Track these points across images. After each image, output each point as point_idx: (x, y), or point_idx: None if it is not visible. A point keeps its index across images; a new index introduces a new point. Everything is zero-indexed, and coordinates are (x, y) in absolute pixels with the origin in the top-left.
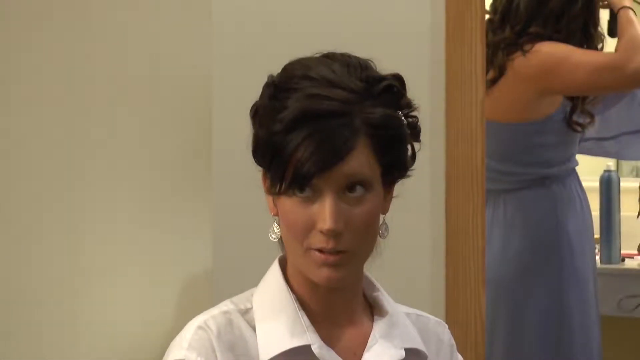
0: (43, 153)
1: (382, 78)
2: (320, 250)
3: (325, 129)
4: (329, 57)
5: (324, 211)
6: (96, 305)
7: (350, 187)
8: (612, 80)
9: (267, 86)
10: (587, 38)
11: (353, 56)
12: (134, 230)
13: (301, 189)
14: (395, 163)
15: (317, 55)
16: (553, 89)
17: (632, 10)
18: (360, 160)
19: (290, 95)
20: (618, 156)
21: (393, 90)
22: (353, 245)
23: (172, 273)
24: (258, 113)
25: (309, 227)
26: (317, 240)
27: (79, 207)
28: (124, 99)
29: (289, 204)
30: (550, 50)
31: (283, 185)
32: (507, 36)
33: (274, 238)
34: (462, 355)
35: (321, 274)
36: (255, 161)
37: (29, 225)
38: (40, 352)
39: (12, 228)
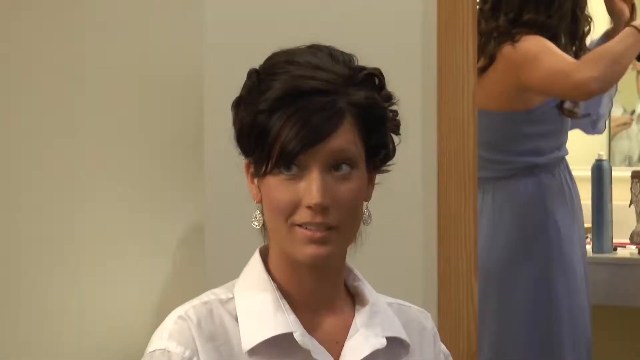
0: (29, 142)
1: (364, 68)
2: (306, 228)
3: (311, 107)
4: (314, 48)
5: (311, 186)
6: (84, 297)
7: (336, 165)
8: (560, 87)
9: (249, 75)
10: (575, 21)
11: (337, 49)
12: (124, 220)
13: (288, 167)
14: (379, 146)
15: (302, 47)
16: (521, 84)
17: (638, 29)
18: (346, 138)
19: (275, 78)
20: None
21: (374, 79)
22: (339, 221)
23: (164, 267)
24: (242, 100)
25: (295, 203)
26: (304, 216)
27: (68, 198)
28: (115, 87)
29: (275, 182)
30: (528, 46)
31: (269, 164)
32: (500, 24)
33: (257, 225)
34: (455, 343)
35: (307, 251)
36: (240, 147)
37: (17, 215)
38: (30, 346)
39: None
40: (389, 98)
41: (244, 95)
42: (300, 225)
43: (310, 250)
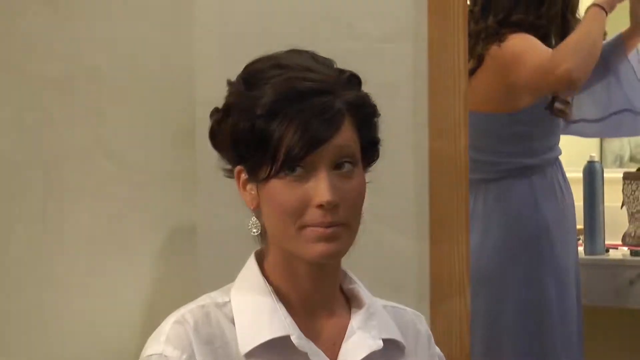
0: (21, 142)
1: (344, 70)
2: (317, 227)
3: (311, 108)
4: (294, 51)
5: (320, 185)
6: (74, 301)
7: (339, 164)
8: (546, 83)
9: (237, 83)
10: (565, 24)
11: (316, 53)
12: (115, 222)
13: (293, 168)
14: (372, 142)
15: (281, 52)
16: (511, 84)
17: (603, 9)
18: (347, 137)
19: (266, 82)
20: (609, 135)
21: (356, 80)
22: (348, 218)
23: (156, 270)
24: (231, 108)
25: (304, 204)
26: (314, 216)
27: (57, 200)
28: (105, 87)
29: (280, 185)
30: (514, 44)
31: (274, 168)
32: (489, 25)
33: (256, 232)
34: (447, 345)
35: (317, 249)
36: (234, 154)
37: (7, 216)
38: (17, 348)
39: None
40: (369, 97)
41: (233, 103)
42: (309, 226)
43: (320, 247)
